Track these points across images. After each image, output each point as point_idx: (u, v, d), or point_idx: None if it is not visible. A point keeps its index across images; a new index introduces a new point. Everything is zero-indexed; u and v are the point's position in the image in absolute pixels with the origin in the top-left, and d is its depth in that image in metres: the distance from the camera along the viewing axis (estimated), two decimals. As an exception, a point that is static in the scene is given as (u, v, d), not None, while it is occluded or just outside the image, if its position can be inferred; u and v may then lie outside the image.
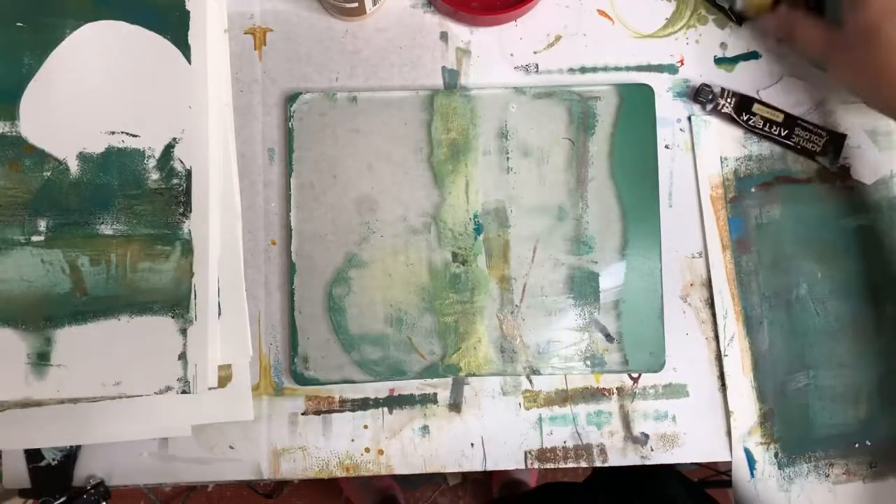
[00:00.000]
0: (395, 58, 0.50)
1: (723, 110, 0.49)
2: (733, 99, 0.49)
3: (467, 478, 1.22)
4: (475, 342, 0.48)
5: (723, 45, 0.51)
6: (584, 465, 0.48)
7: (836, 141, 0.49)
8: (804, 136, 0.49)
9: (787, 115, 0.49)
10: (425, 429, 0.48)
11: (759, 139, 0.50)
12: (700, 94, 0.49)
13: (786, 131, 0.49)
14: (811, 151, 0.49)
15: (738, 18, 0.50)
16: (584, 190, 0.49)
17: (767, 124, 0.49)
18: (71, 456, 0.47)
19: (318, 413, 0.48)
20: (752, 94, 0.50)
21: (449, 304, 0.48)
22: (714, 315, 0.49)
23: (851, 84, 0.40)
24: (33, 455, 0.47)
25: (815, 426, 0.49)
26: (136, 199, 0.47)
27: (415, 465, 0.48)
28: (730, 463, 0.49)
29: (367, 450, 0.48)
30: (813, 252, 0.50)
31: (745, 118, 0.49)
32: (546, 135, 0.49)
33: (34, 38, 0.47)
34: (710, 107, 0.49)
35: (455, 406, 0.49)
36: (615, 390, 0.49)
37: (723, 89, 0.49)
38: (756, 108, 0.49)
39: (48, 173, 0.46)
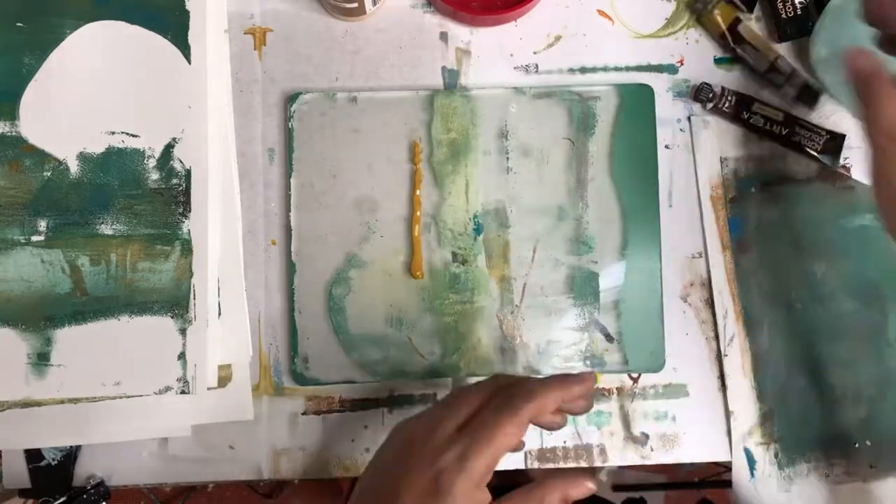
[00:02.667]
0: (395, 58, 0.50)
1: (724, 108, 0.49)
2: (734, 97, 0.49)
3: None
4: (475, 342, 0.48)
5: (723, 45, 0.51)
6: (584, 465, 0.48)
7: (835, 140, 0.49)
8: (804, 135, 0.49)
9: (787, 115, 0.49)
10: (425, 429, 0.48)
11: (759, 138, 0.50)
12: (701, 93, 0.49)
13: (786, 130, 0.49)
14: (811, 150, 0.49)
15: (748, 4, 0.50)
16: (584, 190, 0.49)
17: (768, 123, 0.49)
18: (71, 456, 0.47)
19: (318, 413, 0.48)
20: (752, 94, 0.50)
21: (449, 304, 0.48)
22: (714, 315, 0.49)
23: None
24: (33, 455, 0.47)
25: (815, 426, 0.49)
26: (135, 199, 0.47)
27: (415, 465, 0.48)
28: (730, 463, 0.49)
29: (367, 450, 0.48)
30: (813, 252, 0.50)
31: (746, 116, 0.49)
32: (546, 135, 0.49)
33: (34, 38, 0.47)
34: (710, 105, 0.49)
35: (455, 406, 0.48)
36: (615, 390, 0.49)
37: (723, 88, 0.49)
38: (756, 106, 0.49)
39: (48, 173, 0.46)
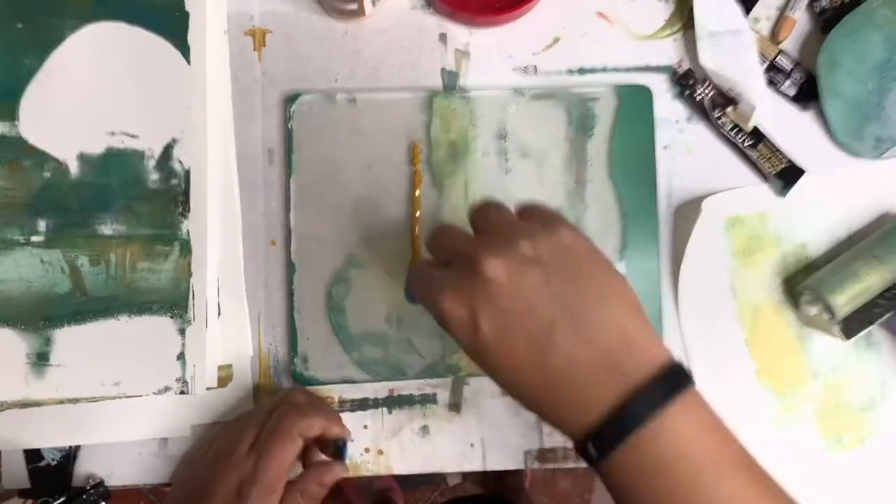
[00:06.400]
0: (395, 59, 0.50)
1: (698, 98, 0.49)
2: (712, 92, 0.49)
3: (467, 478, 1.22)
4: (474, 342, 0.48)
5: (721, 46, 0.51)
6: (584, 465, 0.48)
7: (793, 171, 0.48)
8: (765, 154, 0.48)
9: (757, 130, 0.49)
10: (425, 429, 0.48)
11: (721, 141, 0.50)
12: (684, 77, 0.49)
13: (750, 142, 0.48)
14: (766, 172, 0.49)
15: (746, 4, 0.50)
16: (583, 191, 0.49)
17: (735, 129, 0.49)
18: (71, 456, 0.47)
19: (317, 413, 0.48)
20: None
21: (448, 305, 0.48)
22: (713, 315, 0.49)
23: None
24: (33, 455, 0.47)
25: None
26: (135, 200, 0.47)
27: (414, 466, 0.48)
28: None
29: (367, 450, 0.48)
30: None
31: (717, 115, 0.48)
32: (545, 136, 0.49)
33: (34, 38, 0.47)
34: (687, 92, 0.49)
35: (455, 406, 0.49)
36: (614, 390, 0.49)
37: (706, 79, 0.49)
38: (730, 110, 0.49)
39: (48, 174, 0.46)
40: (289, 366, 0.48)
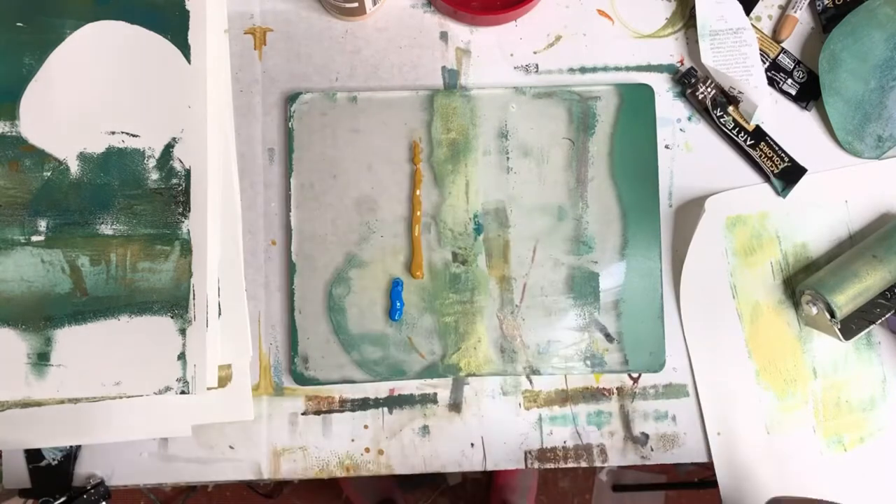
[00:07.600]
0: (395, 58, 0.50)
1: (700, 97, 0.49)
2: (713, 91, 0.49)
3: (467, 478, 1.22)
4: (475, 342, 0.48)
5: (723, 46, 0.51)
6: (584, 465, 0.48)
7: (795, 170, 0.48)
8: (767, 154, 0.48)
9: (758, 129, 0.49)
10: (425, 429, 0.48)
11: (721, 140, 0.50)
12: (685, 76, 0.49)
13: (752, 141, 0.48)
14: (767, 170, 0.49)
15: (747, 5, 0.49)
16: (584, 190, 0.49)
17: (737, 128, 0.49)
18: (71, 456, 0.47)
19: (318, 413, 0.48)
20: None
21: (449, 304, 0.48)
22: (714, 315, 0.49)
23: None
24: (33, 455, 0.47)
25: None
26: (135, 199, 0.47)
27: (415, 466, 0.48)
28: (729, 463, 0.49)
29: (367, 450, 0.48)
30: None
31: (718, 114, 0.48)
32: (546, 135, 0.49)
33: (34, 38, 0.47)
34: (689, 91, 0.49)
35: (455, 406, 0.49)
36: (615, 390, 0.49)
37: (707, 78, 0.49)
38: (732, 109, 0.49)
39: (48, 173, 0.46)
40: (289, 366, 0.48)
